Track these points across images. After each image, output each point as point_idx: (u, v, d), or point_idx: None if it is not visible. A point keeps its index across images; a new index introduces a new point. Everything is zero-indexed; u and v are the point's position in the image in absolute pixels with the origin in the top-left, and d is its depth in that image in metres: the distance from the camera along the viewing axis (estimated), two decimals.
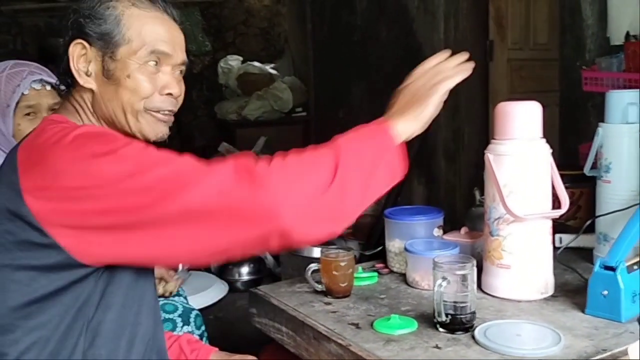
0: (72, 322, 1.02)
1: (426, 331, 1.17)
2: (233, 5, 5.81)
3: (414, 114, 1.02)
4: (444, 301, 1.14)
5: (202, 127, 5.66)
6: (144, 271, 1.11)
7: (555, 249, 1.40)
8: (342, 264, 1.36)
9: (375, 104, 3.95)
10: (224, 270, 3.32)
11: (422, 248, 1.41)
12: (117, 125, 1.10)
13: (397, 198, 3.26)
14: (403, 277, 1.47)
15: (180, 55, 1.13)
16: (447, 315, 1.14)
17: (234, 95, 5.26)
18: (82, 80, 1.08)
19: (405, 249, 1.43)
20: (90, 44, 1.08)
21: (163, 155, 0.95)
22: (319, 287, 1.38)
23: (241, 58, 5.40)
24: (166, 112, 1.12)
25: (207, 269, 3.17)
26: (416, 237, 1.48)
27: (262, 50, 5.86)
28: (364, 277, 1.47)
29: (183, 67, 1.15)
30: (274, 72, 5.25)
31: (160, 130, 1.11)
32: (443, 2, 3.21)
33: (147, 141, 1.10)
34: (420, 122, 1.01)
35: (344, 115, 4.40)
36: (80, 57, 1.08)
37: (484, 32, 3.19)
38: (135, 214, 0.92)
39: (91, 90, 1.10)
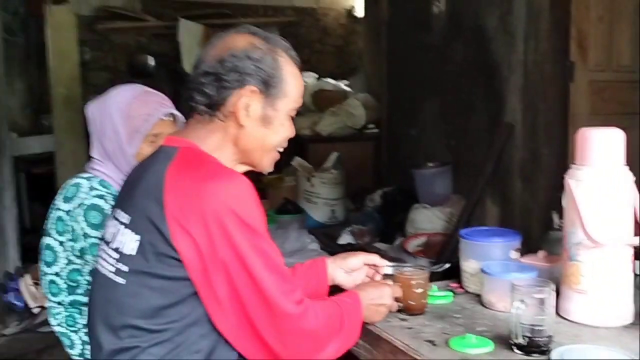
0: (191, 327, 1.14)
1: (502, 352, 1.19)
2: (309, 24, 5.96)
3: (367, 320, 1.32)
4: (521, 323, 1.16)
5: None
6: None
7: (636, 276, 1.39)
8: (418, 281, 1.40)
9: (448, 123, 3.94)
10: None
11: (499, 270, 1.43)
12: (249, 157, 1.25)
13: (469, 218, 3.24)
14: (478, 297, 1.48)
15: None
16: (523, 337, 1.16)
17: (308, 111, 5.37)
18: (242, 118, 1.21)
19: (482, 271, 1.45)
20: (258, 89, 1.21)
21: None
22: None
23: (316, 75, 5.51)
24: (280, 150, 1.29)
25: None
26: (492, 259, 1.49)
27: (336, 68, 5.96)
28: (439, 296, 1.50)
29: None
30: (347, 89, 5.32)
31: (273, 164, 1.29)
32: (523, 22, 3.18)
33: (262, 172, 1.28)
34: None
35: (415, 133, 4.41)
36: (245, 97, 1.20)
37: (564, 53, 3.13)
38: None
39: (240, 126, 1.22)
